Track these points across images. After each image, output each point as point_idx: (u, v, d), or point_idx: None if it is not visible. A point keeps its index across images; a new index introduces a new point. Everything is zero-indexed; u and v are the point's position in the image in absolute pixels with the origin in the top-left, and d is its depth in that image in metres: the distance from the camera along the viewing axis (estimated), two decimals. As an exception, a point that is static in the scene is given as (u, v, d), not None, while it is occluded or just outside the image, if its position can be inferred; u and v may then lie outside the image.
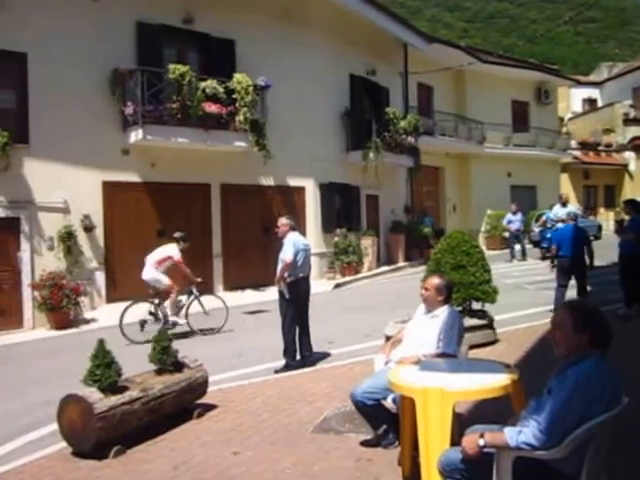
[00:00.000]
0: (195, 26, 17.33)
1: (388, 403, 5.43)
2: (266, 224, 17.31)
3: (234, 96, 16.43)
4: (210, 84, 15.95)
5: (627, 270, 11.74)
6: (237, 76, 16.62)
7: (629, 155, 41.10)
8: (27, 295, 14.46)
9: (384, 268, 22.18)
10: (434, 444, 4.19)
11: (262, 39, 18.49)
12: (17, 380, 9.76)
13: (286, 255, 9.21)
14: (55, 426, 6.27)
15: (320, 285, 17.61)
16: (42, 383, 9.24)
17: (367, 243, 21.47)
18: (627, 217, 12.70)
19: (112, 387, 6.13)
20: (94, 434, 5.86)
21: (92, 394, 5.98)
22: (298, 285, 9.33)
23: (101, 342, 6.19)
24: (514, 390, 4.40)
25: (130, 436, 6.23)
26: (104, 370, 6.07)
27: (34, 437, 6.97)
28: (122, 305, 14.64)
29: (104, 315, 14.70)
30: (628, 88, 43.50)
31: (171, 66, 15.42)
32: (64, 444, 6.19)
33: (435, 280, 5.83)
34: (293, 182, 19.66)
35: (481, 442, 3.52)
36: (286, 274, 9.21)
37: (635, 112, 42.21)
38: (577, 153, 39.22)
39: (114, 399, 6.04)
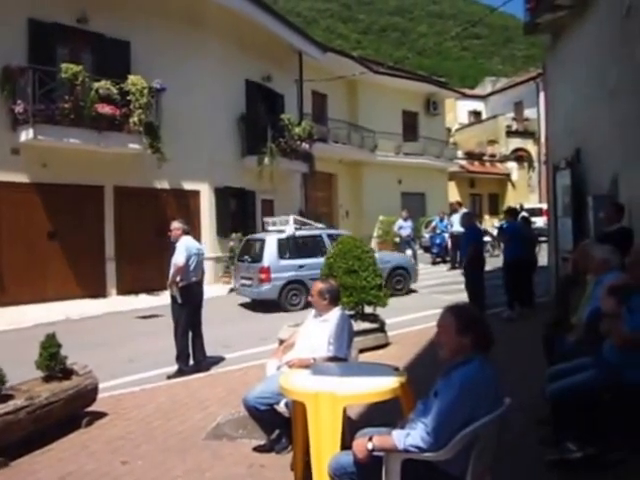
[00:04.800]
0: (90, 26, 16.93)
1: (281, 408, 5.45)
2: (160, 228, 17.00)
3: (128, 98, 16.19)
4: (104, 85, 15.64)
5: (511, 274, 12.30)
6: (132, 78, 16.39)
7: (511, 165, 42.89)
8: None
9: (279, 273, 22.16)
10: (325, 448, 4.23)
11: (158, 42, 18.27)
12: None
13: (178, 259, 9.13)
14: None
15: (215, 289, 17.53)
16: None
17: (262, 248, 21.45)
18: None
19: (-5, 396, 5.90)
20: (-26, 446, 5.61)
21: (-27, 404, 5.73)
22: (191, 289, 9.26)
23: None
24: (403, 393, 4.50)
25: (14, 447, 5.96)
26: (-15, 378, 5.84)
27: None
28: (10, 310, 14.13)
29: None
30: (510, 102, 45.29)
31: (63, 65, 15.05)
32: (-60, 458, 5.89)
33: (318, 285, 5.93)
34: (188, 186, 19.45)
35: (370, 445, 3.57)
36: (178, 278, 9.13)
37: (517, 125, 44.02)
38: (463, 162, 40.64)
39: (-3, 408, 5.81)
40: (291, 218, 15.89)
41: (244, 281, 15.50)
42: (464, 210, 22.95)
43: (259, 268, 14.65)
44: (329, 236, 15.61)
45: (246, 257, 15.90)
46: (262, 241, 15.35)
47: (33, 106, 14.80)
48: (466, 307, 3.97)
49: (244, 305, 15.82)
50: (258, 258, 15.04)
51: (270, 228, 16.49)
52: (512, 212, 13.63)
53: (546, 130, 16.61)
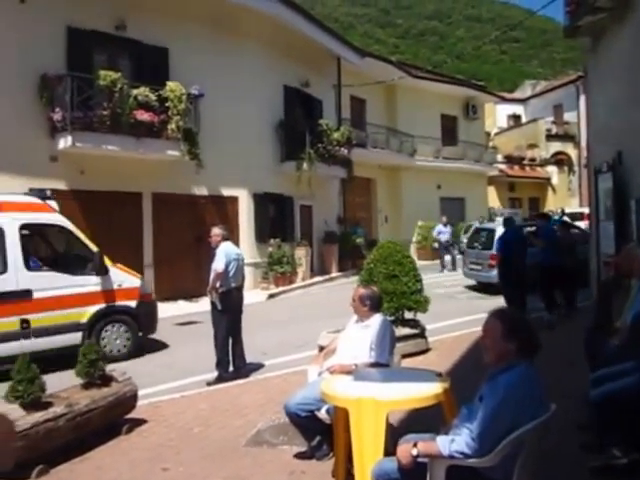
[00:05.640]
0: (127, 33, 17.01)
1: (322, 414, 5.40)
2: (199, 234, 17.11)
3: (167, 104, 16.21)
4: (142, 92, 15.70)
5: (547, 279, 12.34)
6: (170, 84, 16.42)
7: (552, 169, 42.41)
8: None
9: (318, 278, 22.18)
10: (368, 455, 4.19)
11: (196, 48, 18.33)
12: None
13: (217, 265, 9.11)
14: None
15: (254, 295, 17.47)
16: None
17: (301, 253, 21.46)
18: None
19: (35, 403, 5.90)
20: (15, 453, 5.62)
21: (13, 411, 5.74)
22: (231, 295, 9.23)
23: (24, 357, 5.98)
24: (446, 398, 4.44)
25: (54, 454, 5.99)
26: (27, 385, 5.84)
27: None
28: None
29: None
30: (550, 105, 44.82)
31: (102, 72, 15.11)
32: (-18, 464, 5.92)
33: (359, 290, 5.90)
34: (226, 192, 19.50)
35: (414, 451, 3.54)
36: (218, 284, 9.11)
37: (556, 128, 43.47)
38: (503, 167, 40.26)
39: (37, 416, 5.81)
40: (519, 210, 17.20)
41: (473, 266, 17.68)
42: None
43: (489, 255, 16.34)
44: None
45: (476, 245, 18.21)
46: (492, 231, 17.24)
47: (71, 113, 14.87)
48: (512, 312, 3.95)
49: (470, 287, 18.13)
50: (488, 246, 16.83)
51: (499, 219, 18.63)
52: (544, 217, 14.04)
53: (587, 133, 16.42)
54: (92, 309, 10.70)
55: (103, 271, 10.87)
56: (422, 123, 32.26)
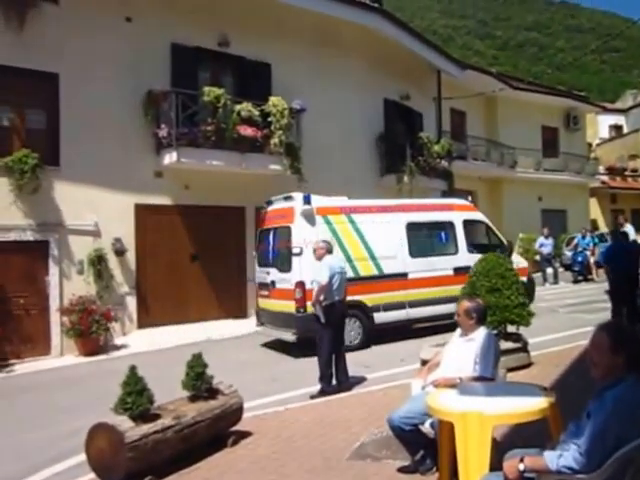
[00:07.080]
0: (230, 49, 17.27)
1: (426, 428, 5.36)
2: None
3: (269, 119, 16.31)
4: (245, 107, 15.84)
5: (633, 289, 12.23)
6: (272, 99, 16.52)
7: (653, 180, 40.97)
8: (55, 320, 14.04)
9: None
10: (473, 469, 4.18)
11: (298, 63, 18.45)
12: (44, 409, 9.61)
13: (321, 278, 9.16)
14: (83, 457, 6.11)
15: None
16: (69, 412, 9.10)
17: (401, 266, 21.30)
18: None
19: (144, 415, 6.00)
20: (124, 464, 5.71)
21: (123, 422, 5.85)
22: (334, 308, 9.24)
23: (133, 369, 6.08)
24: (552, 413, 4.40)
25: (162, 466, 6.09)
26: (135, 397, 5.95)
27: (61, 468, 6.84)
28: (154, 331, 14.37)
29: (135, 341, 14.45)
30: (651, 115, 43.41)
31: (206, 88, 15.38)
32: (92, 475, 6.04)
33: (465, 304, 5.81)
34: (327, 205, 19.54)
35: (521, 467, 3.50)
36: (322, 297, 9.15)
37: (659, 138, 42.11)
38: (605, 178, 39.32)
39: (146, 427, 5.91)
40: None
41: None
42: (629, 225, 22.56)
43: None
44: None
45: None
46: None
47: (176, 129, 15.09)
48: (619, 324, 3.88)
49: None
50: None
51: None
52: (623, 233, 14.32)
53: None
54: None
55: (510, 255, 14.59)
56: (522, 135, 31.79)
